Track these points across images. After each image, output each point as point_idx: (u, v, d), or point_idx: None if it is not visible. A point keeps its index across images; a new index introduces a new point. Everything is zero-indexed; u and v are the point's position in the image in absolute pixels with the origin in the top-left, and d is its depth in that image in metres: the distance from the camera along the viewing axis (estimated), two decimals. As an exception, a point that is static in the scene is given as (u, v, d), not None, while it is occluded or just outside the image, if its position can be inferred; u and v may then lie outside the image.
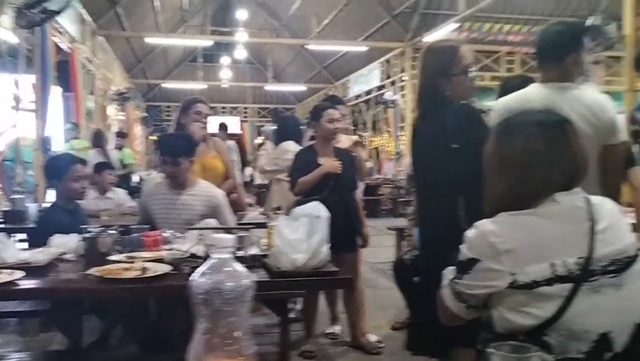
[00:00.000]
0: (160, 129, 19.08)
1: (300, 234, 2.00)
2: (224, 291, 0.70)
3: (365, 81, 14.19)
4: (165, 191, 2.87)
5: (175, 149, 2.80)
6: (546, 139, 1.26)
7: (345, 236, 3.17)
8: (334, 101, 3.79)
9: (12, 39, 5.45)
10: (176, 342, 2.62)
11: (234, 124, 20.93)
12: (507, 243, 1.19)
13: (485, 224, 1.24)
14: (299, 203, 3.10)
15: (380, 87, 13.41)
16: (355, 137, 3.87)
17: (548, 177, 1.24)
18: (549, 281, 1.16)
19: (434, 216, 2.03)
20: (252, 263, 2.01)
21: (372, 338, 3.39)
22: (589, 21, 5.68)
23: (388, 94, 12.25)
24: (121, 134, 9.08)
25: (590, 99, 2.03)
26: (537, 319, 1.16)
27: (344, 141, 3.52)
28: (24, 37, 5.47)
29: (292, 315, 3.95)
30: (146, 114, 16.99)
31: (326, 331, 3.66)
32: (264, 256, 2.09)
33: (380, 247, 5.22)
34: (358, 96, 14.74)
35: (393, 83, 12.65)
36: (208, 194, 2.85)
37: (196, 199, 2.81)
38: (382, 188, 11.46)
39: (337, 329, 3.67)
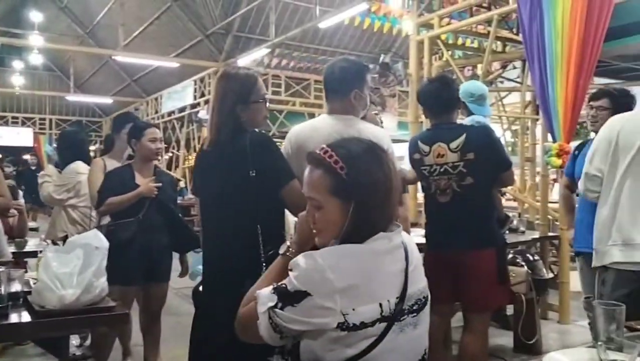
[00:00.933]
0: None
1: (72, 268, 1.80)
2: None
3: (179, 97, 13.81)
4: None
5: None
6: (385, 167, 1.22)
7: (165, 262, 3.04)
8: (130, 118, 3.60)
9: None
10: None
11: (26, 137, 18.73)
12: (344, 281, 1.11)
13: (324, 257, 1.13)
14: (110, 227, 2.88)
15: (194, 105, 13.17)
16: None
17: (385, 209, 1.20)
18: (373, 323, 1.12)
19: (231, 243, 1.96)
20: (10, 301, 1.74)
21: None
22: (382, 58, 6.29)
23: (202, 113, 12.09)
24: None
25: (370, 132, 2.16)
26: (344, 356, 1.13)
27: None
28: None
29: (78, 353, 3.57)
30: None
31: None
32: (28, 293, 1.83)
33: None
34: (171, 113, 14.27)
35: (207, 102, 12.52)
36: None
37: None
38: (195, 208, 11.17)
39: None
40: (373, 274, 1.15)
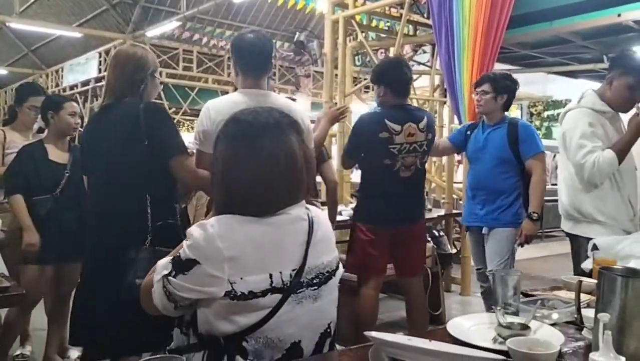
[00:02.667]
0: None
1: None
2: None
3: (82, 70, 12.96)
4: None
5: None
6: (285, 142, 1.21)
7: (76, 244, 2.81)
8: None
9: None
10: None
11: None
12: (232, 250, 1.12)
13: (214, 226, 1.14)
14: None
15: (99, 79, 12.44)
16: None
17: (291, 187, 1.21)
18: (264, 293, 1.14)
19: (119, 211, 1.96)
20: None
21: (74, 353, 3.08)
22: (297, 36, 6.27)
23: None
24: None
25: (282, 102, 2.21)
26: (239, 327, 1.14)
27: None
28: None
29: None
30: None
31: (14, 354, 3.16)
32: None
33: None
34: (74, 87, 13.39)
35: (113, 75, 11.88)
36: None
37: None
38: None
39: (27, 350, 3.22)
40: (264, 245, 1.16)
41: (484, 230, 3.02)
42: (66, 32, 12.00)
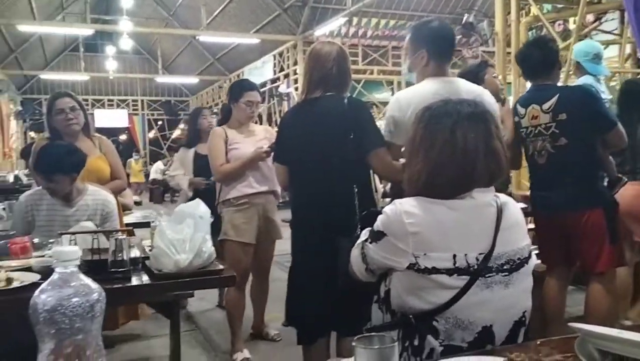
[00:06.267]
0: (39, 124, 17.70)
1: (184, 235, 1.94)
2: (69, 308, 0.65)
3: (259, 73, 14.09)
4: (51, 203, 2.57)
5: (55, 165, 2.50)
6: (476, 131, 1.27)
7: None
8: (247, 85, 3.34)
9: None
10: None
11: (121, 117, 20.01)
12: (417, 226, 1.21)
13: (403, 204, 1.26)
14: None
15: (274, 80, 13.40)
16: (271, 129, 3.56)
17: (473, 172, 1.26)
18: (449, 271, 1.19)
19: (328, 204, 2.09)
20: (132, 265, 1.91)
21: (272, 331, 3.39)
22: (465, 18, 6.07)
23: (282, 87, 12.29)
24: None
25: (471, 88, 2.15)
26: (430, 304, 1.20)
27: (261, 132, 3.27)
28: None
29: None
30: (21, 108, 15.61)
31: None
32: (146, 258, 2.01)
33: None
34: (252, 89, 14.60)
35: (287, 76, 12.69)
36: (100, 202, 2.62)
37: (88, 210, 2.58)
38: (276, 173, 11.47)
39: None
40: (449, 226, 1.23)
41: None
42: (245, 39, 13.11)
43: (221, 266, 1.98)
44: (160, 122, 21.81)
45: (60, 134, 2.98)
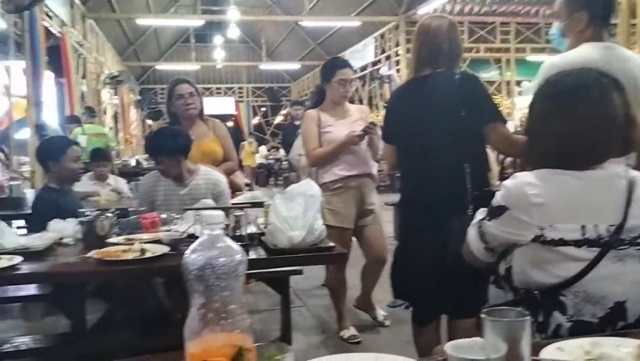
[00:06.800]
0: (155, 112, 19.04)
1: (296, 212, 2.01)
2: (217, 267, 0.71)
3: (360, 56, 14.08)
4: (167, 184, 2.80)
5: (159, 148, 2.73)
6: (615, 99, 1.22)
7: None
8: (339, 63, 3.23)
9: (0, 24, 5.39)
10: (177, 322, 2.65)
11: (229, 105, 20.94)
12: (541, 197, 1.18)
13: (524, 176, 1.23)
14: None
15: (375, 63, 13.31)
16: (367, 109, 3.56)
17: (606, 144, 1.22)
18: (577, 243, 1.16)
19: (440, 182, 2.05)
20: (249, 241, 2.02)
21: (380, 313, 3.39)
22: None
23: (383, 69, 12.19)
24: (89, 110, 7.86)
25: (629, 55, 1.95)
26: (557, 278, 1.17)
27: (355, 112, 3.20)
28: (12, 22, 5.40)
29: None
30: (140, 97, 16.87)
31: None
32: (262, 234, 2.11)
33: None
34: (354, 72, 14.63)
35: (388, 58, 12.56)
36: (211, 182, 2.81)
37: (201, 189, 2.77)
38: (380, 164, 11.45)
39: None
40: (576, 196, 1.18)
41: None
42: (347, 22, 13.12)
43: (332, 244, 2.04)
44: (263, 109, 22.57)
45: (178, 119, 3.21)
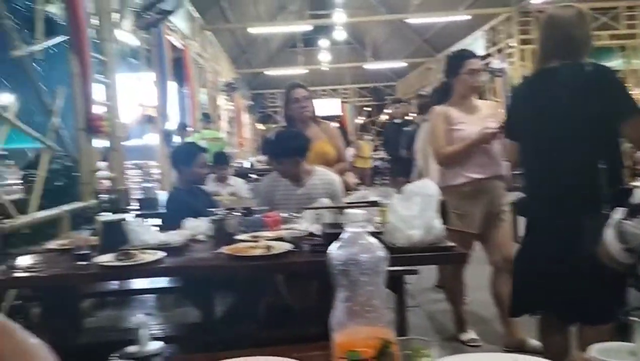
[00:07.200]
0: (265, 116, 19.84)
1: (414, 211, 2.02)
2: (360, 262, 0.75)
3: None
4: (285, 184, 2.93)
5: (280, 149, 2.87)
6: None
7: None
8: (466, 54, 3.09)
9: (133, 41, 5.93)
10: (297, 316, 2.77)
11: (335, 106, 21.25)
12: None
13: None
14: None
15: (485, 56, 12.81)
16: (495, 104, 3.43)
17: None
18: None
19: (571, 180, 1.95)
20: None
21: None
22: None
23: (495, 63, 11.69)
24: (206, 116, 8.34)
25: None
26: None
27: (484, 108, 3.04)
28: (142, 38, 5.92)
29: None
30: (252, 102, 17.67)
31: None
32: (379, 233, 2.14)
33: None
34: (464, 68, 14.21)
35: (499, 51, 12.04)
36: (327, 182, 2.91)
37: (317, 189, 2.87)
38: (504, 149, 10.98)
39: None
40: None
41: None
42: (456, 17, 12.76)
43: (451, 244, 2.02)
44: (368, 108, 22.64)
45: (294, 122, 3.35)
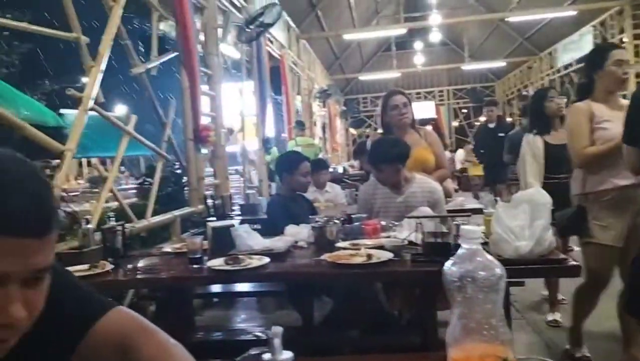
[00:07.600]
0: (357, 121, 19.89)
1: (522, 221, 1.94)
2: (477, 279, 0.74)
3: (575, 48, 12.82)
4: (384, 191, 2.93)
5: (381, 156, 2.87)
6: None
7: None
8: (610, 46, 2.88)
9: (235, 54, 6.21)
10: (396, 325, 2.75)
11: (429, 109, 20.89)
12: None
13: None
14: None
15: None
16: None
17: None
18: None
19: None
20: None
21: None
22: None
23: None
24: (299, 123, 8.40)
25: None
26: None
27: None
28: (243, 50, 6.18)
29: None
30: (345, 108, 17.80)
31: (547, 319, 3.48)
32: (484, 243, 2.07)
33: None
34: (568, 66, 13.43)
35: (612, 47, 11.21)
36: (428, 190, 2.88)
37: (417, 197, 2.84)
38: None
39: (557, 316, 3.46)
40: None
41: None
42: (561, 13, 12.06)
43: (563, 256, 1.91)
44: (465, 110, 21.98)
45: (391, 129, 3.33)
